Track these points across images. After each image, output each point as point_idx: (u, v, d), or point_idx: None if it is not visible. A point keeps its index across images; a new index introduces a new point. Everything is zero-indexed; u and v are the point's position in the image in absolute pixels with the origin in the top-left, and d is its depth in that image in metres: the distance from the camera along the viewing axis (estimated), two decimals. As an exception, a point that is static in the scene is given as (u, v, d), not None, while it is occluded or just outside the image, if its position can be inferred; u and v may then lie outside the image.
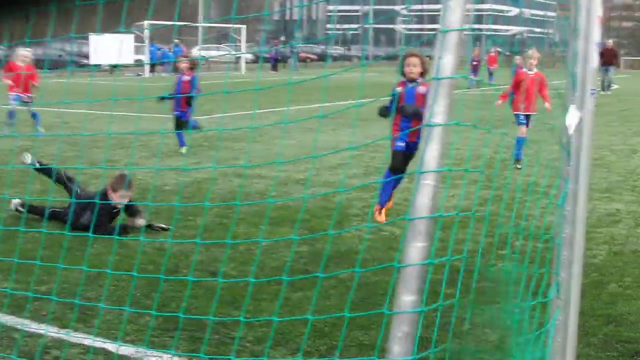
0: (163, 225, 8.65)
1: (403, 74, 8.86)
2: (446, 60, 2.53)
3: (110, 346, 5.26)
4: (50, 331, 5.48)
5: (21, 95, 16.50)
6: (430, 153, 2.53)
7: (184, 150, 14.43)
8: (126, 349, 5.22)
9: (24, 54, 16.75)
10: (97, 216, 8.06)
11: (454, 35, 2.53)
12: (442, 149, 2.55)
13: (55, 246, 7.51)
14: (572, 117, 3.43)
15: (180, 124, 14.17)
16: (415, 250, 2.56)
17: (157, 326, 5.64)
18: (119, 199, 8.51)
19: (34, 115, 16.85)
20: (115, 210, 8.62)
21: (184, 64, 14.96)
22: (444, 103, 2.54)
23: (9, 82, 16.63)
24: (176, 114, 14.29)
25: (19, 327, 5.60)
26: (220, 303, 6.10)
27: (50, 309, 5.96)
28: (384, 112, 8.84)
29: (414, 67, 8.78)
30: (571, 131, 3.43)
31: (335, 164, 12.99)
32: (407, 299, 2.57)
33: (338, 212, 9.37)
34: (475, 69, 35.70)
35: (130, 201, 8.65)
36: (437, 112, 2.53)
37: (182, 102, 14.04)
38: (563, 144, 3.44)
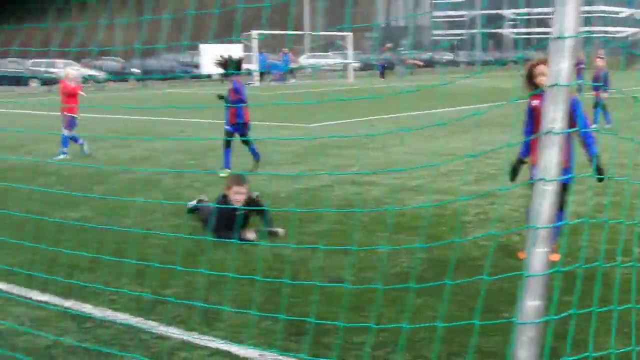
0: (278, 230, 8.80)
1: (534, 85, 7.52)
2: (562, 67, 2.52)
3: (235, 349, 5.40)
4: (177, 334, 5.66)
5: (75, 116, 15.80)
6: (550, 159, 2.52)
7: (223, 174, 12.33)
8: (250, 352, 5.34)
9: (74, 73, 16.41)
10: (218, 218, 8.29)
11: (569, 42, 2.52)
12: (561, 155, 2.54)
13: (176, 252, 7.75)
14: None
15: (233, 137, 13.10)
16: (539, 256, 2.56)
17: (279, 330, 5.74)
18: (234, 195, 8.65)
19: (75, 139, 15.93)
20: (237, 212, 8.64)
21: (220, 67, 13.29)
22: (562, 109, 2.53)
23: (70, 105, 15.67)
24: (227, 129, 13.18)
25: (147, 329, 5.80)
26: (341, 308, 6.18)
27: (176, 312, 6.16)
28: (515, 171, 8.04)
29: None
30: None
31: (447, 171, 12.92)
32: (531, 304, 2.56)
33: (455, 220, 9.33)
34: (579, 73, 34.39)
35: (248, 199, 8.78)
36: (555, 119, 2.51)
37: (231, 114, 13.03)
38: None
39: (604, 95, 19.28)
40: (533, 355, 2.54)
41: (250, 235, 8.56)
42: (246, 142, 13.20)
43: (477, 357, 5.24)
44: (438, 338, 5.38)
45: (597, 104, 19.45)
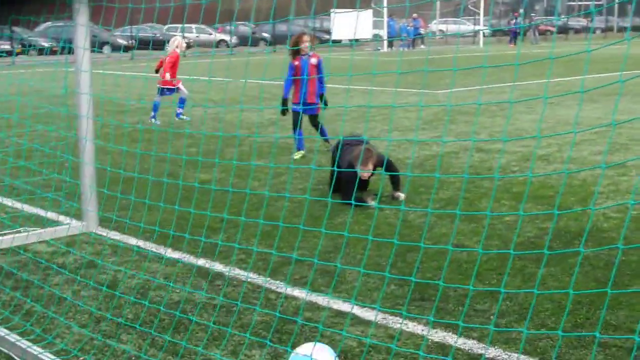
0: (400, 194, 8.87)
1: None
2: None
3: (358, 311, 5.51)
4: (302, 294, 5.82)
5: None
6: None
7: (297, 156, 11.66)
8: (373, 315, 5.44)
9: (183, 45, 16.49)
10: (345, 185, 8.47)
11: None
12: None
13: (302, 215, 7.93)
14: None
15: (301, 121, 11.40)
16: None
17: (403, 295, 5.82)
18: (361, 173, 8.64)
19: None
20: (363, 180, 8.79)
21: (306, 42, 11.49)
22: None
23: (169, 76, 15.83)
24: (295, 109, 11.41)
25: (274, 289, 5.99)
26: (463, 276, 6.21)
27: (302, 273, 6.33)
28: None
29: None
30: None
31: (578, 140, 12.64)
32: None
33: (583, 189, 9.15)
34: None
35: (377, 164, 8.82)
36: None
37: (311, 92, 11.52)
38: None
39: None
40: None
41: (370, 200, 8.63)
42: (316, 124, 11.88)
43: (603, 330, 5.18)
44: (568, 307, 5.34)
45: None
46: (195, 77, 22.84)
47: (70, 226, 7.46)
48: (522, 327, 5.20)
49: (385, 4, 46.88)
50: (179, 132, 13.10)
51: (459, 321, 5.05)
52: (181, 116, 16.15)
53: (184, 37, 17.35)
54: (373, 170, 8.77)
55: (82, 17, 7.21)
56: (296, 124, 11.38)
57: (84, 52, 7.33)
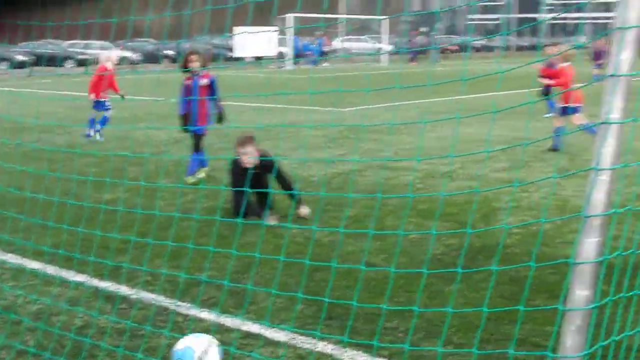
0: (303, 210, 8.90)
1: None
2: (624, 57, 2.54)
3: (267, 332, 5.47)
4: (210, 316, 5.75)
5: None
6: (607, 149, 2.55)
7: (191, 179, 11.09)
8: (282, 335, 5.41)
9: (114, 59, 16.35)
10: (232, 181, 8.85)
11: (632, 32, 2.53)
12: (618, 145, 2.55)
13: (210, 235, 7.85)
14: None
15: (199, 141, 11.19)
16: (590, 245, 2.58)
17: (312, 314, 5.80)
18: (242, 157, 8.86)
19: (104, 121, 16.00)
20: (249, 170, 8.45)
21: (194, 62, 10.90)
22: (622, 99, 2.55)
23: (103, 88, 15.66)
24: (193, 130, 10.93)
25: (181, 311, 5.90)
26: (372, 293, 6.24)
27: (209, 294, 6.25)
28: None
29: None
30: None
31: (480, 158, 12.90)
32: (581, 293, 2.59)
33: (485, 206, 9.33)
34: (598, 60, 32.23)
35: (261, 156, 8.90)
36: (614, 108, 2.54)
37: (202, 113, 11.08)
38: None
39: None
40: (580, 344, 2.57)
41: (273, 220, 8.59)
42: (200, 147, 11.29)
43: (508, 345, 5.26)
44: (481, 324, 5.41)
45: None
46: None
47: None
48: (431, 343, 5.25)
49: (292, 23, 47.11)
50: (83, 152, 12.84)
51: (373, 341, 5.06)
52: (95, 134, 15.91)
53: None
54: (261, 170, 8.80)
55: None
56: (194, 144, 11.17)
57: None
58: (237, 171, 8.82)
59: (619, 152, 2.57)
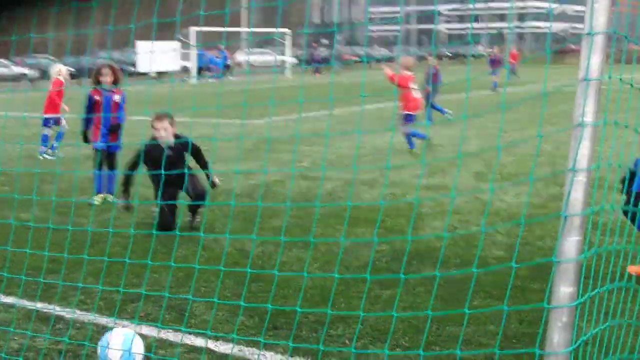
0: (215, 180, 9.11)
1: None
2: (594, 62, 2.61)
3: (212, 345, 5.40)
4: (151, 332, 5.64)
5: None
6: (582, 151, 2.61)
7: (97, 201, 10.67)
8: (228, 348, 5.35)
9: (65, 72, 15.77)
10: (137, 159, 8.89)
11: (600, 38, 2.60)
12: (593, 147, 2.62)
13: (137, 251, 7.71)
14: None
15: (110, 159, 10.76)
16: (572, 244, 2.63)
17: (255, 325, 5.76)
18: (156, 132, 8.92)
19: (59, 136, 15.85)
20: (165, 152, 8.73)
21: (106, 77, 10.54)
22: (594, 103, 2.62)
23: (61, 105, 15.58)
24: (97, 146, 10.60)
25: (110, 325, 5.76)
26: (311, 302, 6.23)
27: (146, 310, 6.14)
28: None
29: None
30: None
31: (399, 164, 13.07)
32: (565, 290, 2.63)
33: (411, 210, 9.45)
34: (494, 67, 33.56)
35: (175, 136, 8.94)
36: (587, 112, 2.60)
37: (113, 130, 10.75)
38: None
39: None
40: (567, 339, 2.61)
41: (215, 180, 9.16)
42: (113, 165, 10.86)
43: (453, 345, 5.33)
44: (460, 329, 5.44)
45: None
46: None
47: None
48: (377, 348, 5.28)
49: (194, 36, 46.84)
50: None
51: (319, 345, 5.04)
52: (55, 150, 15.63)
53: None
54: (176, 153, 8.79)
55: None
56: (98, 162, 10.66)
57: None
58: (150, 150, 8.71)
59: (593, 154, 2.64)
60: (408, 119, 14.90)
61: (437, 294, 6.36)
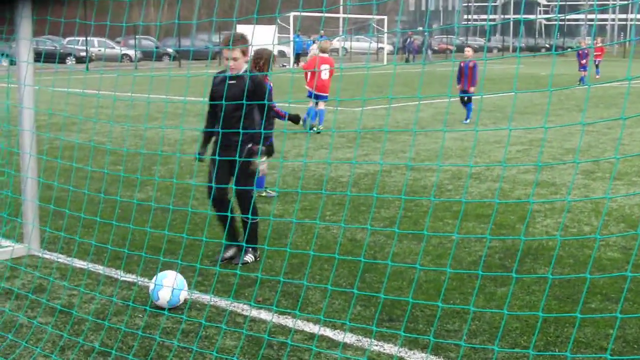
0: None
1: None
2: None
3: (331, 333, 5.47)
4: (270, 317, 5.74)
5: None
6: None
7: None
8: (347, 337, 5.41)
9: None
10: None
11: None
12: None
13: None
14: None
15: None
16: None
17: (371, 316, 5.81)
18: (229, 61, 6.89)
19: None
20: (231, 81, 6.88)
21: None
22: None
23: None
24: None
25: (239, 312, 5.89)
26: (427, 296, 6.24)
27: (264, 296, 6.25)
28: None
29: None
30: None
31: (499, 159, 12.94)
32: None
33: (520, 208, 9.35)
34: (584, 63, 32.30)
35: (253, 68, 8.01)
36: None
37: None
38: None
39: (471, 89, 18.02)
40: None
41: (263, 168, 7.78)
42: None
43: (573, 347, 5.28)
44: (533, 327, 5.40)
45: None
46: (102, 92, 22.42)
47: (14, 248, 7.17)
48: (494, 345, 5.26)
49: (293, 21, 47.05)
50: (100, 148, 12.78)
51: (432, 338, 5.06)
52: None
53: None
54: (245, 92, 6.60)
55: (24, 30, 7.02)
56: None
57: (27, 67, 7.13)
58: (215, 83, 7.15)
59: None
60: (309, 95, 16.17)
61: (553, 293, 6.32)
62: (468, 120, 18.10)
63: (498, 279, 6.60)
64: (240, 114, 6.71)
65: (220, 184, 6.89)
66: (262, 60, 8.78)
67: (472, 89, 17.87)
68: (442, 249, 7.64)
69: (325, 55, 16.22)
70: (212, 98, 7.07)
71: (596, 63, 34.23)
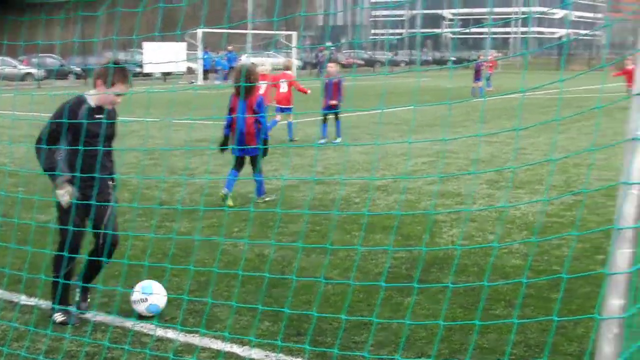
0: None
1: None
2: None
3: (239, 350, 5.43)
4: (177, 336, 5.67)
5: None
6: (636, 164, 2.64)
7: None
8: (255, 353, 5.37)
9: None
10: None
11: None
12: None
13: (159, 253, 7.77)
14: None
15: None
16: (624, 256, 2.67)
17: (279, 331, 5.79)
18: (116, 97, 6.06)
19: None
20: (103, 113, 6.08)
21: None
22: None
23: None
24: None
25: (146, 332, 5.79)
26: (335, 309, 6.25)
27: (171, 314, 6.17)
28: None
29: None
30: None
31: (410, 171, 13.10)
32: (616, 302, 2.67)
33: (427, 219, 9.47)
34: (478, 75, 33.02)
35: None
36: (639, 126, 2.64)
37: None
38: None
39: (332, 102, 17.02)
40: (616, 351, 2.65)
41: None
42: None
43: (477, 354, 5.36)
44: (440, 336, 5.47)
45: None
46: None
47: None
48: (402, 356, 5.30)
49: (200, 38, 46.87)
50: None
51: (336, 351, 5.07)
52: None
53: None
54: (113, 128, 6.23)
55: None
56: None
57: None
58: (76, 112, 5.95)
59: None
60: (277, 109, 17.44)
61: (459, 301, 6.41)
62: (339, 139, 17.35)
63: (404, 290, 6.66)
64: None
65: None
66: (253, 75, 10.21)
67: (332, 103, 17.01)
68: (350, 261, 7.68)
69: (289, 72, 18.02)
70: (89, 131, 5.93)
71: (487, 76, 34.82)
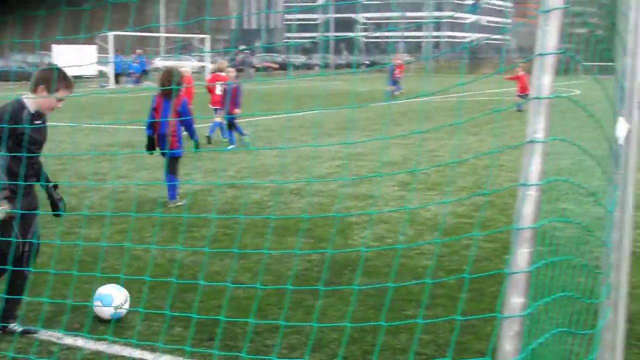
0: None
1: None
2: (545, 81, 2.72)
3: (151, 357, 5.38)
4: (86, 344, 5.58)
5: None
6: (534, 166, 2.71)
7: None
8: (164, 358, 5.33)
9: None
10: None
11: (551, 58, 2.72)
12: (543, 162, 2.73)
13: (67, 260, 7.62)
14: (621, 128, 3.63)
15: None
16: (523, 255, 2.73)
17: (190, 336, 5.74)
18: (58, 102, 5.90)
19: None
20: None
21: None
22: (545, 120, 2.73)
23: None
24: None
25: (54, 340, 5.69)
26: (247, 312, 6.23)
27: (79, 321, 6.06)
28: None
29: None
30: (621, 141, 3.63)
31: (324, 173, 13.16)
32: (517, 301, 2.73)
33: (339, 221, 9.53)
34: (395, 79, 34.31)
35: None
36: (538, 129, 2.71)
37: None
38: (612, 154, 3.63)
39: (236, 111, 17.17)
40: (517, 348, 2.71)
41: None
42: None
43: (390, 354, 5.42)
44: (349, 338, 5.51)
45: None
46: None
47: None
48: (314, 358, 5.32)
49: (112, 41, 46.24)
50: None
51: (244, 355, 5.07)
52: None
53: None
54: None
55: None
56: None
57: None
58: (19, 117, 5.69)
59: (544, 169, 2.75)
60: (216, 112, 17.89)
61: (371, 303, 6.47)
62: (246, 137, 17.52)
63: (317, 293, 6.69)
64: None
65: None
66: (178, 78, 10.55)
67: (236, 111, 17.10)
68: (262, 265, 7.67)
69: (223, 74, 18.06)
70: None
71: (395, 79, 35.12)
